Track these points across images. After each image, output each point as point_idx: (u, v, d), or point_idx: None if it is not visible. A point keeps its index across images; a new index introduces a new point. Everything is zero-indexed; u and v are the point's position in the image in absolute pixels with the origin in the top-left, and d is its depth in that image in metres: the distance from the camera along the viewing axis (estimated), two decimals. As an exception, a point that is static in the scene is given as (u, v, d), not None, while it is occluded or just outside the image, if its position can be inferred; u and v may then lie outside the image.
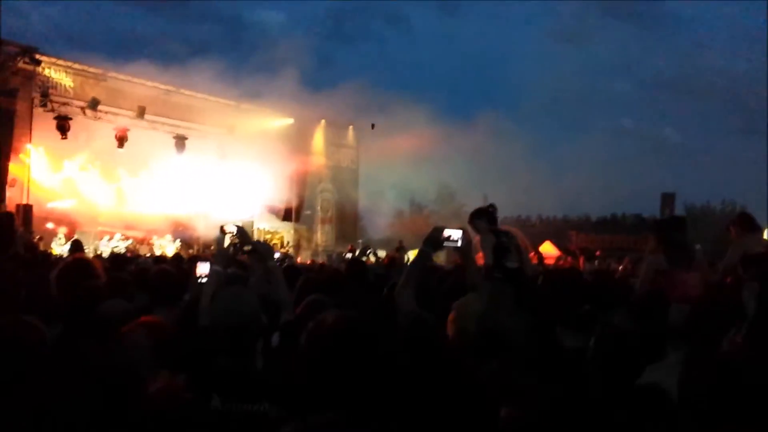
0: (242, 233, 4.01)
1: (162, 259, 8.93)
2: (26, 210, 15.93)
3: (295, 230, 22.30)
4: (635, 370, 2.36)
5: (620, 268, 9.28)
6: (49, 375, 2.08)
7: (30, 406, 1.94)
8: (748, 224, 6.88)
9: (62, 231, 16.42)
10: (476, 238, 5.80)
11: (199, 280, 3.83)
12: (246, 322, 2.82)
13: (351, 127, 23.70)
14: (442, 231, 3.55)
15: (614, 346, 2.40)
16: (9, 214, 13.00)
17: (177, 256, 10.85)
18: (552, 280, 4.02)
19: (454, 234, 3.55)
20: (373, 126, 21.66)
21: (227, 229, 3.88)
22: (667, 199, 7.46)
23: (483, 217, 6.16)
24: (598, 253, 15.08)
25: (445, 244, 3.55)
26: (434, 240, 3.50)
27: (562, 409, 2.01)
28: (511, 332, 2.61)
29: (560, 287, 3.89)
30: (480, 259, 5.25)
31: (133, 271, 5.82)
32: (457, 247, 3.53)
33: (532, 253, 7.38)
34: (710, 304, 3.28)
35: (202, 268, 3.88)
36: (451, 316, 2.82)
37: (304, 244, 22.41)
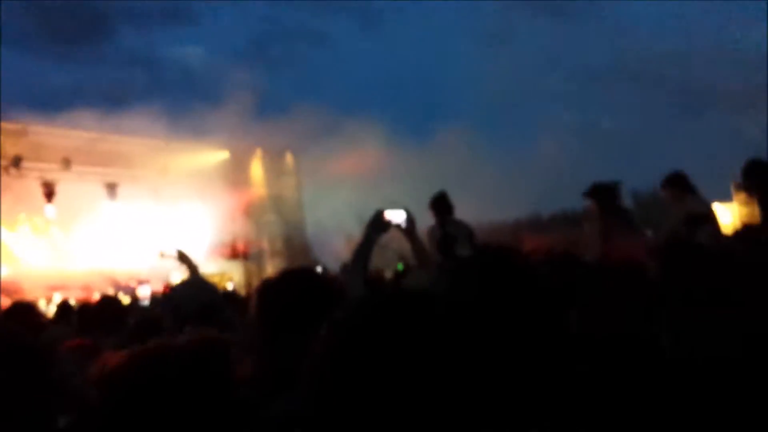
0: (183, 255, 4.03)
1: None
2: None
3: (245, 268, 21.63)
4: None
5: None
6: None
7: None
8: (685, 185, 6.46)
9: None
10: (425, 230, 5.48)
11: (141, 302, 4.05)
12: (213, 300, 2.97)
13: (288, 153, 23.25)
14: (383, 213, 3.35)
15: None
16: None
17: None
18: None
19: (397, 215, 3.36)
20: None
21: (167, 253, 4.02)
22: (613, 186, 7.26)
23: (434, 207, 5.88)
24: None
25: (391, 223, 3.36)
26: (377, 223, 3.29)
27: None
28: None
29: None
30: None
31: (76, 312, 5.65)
32: (401, 228, 3.31)
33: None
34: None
35: (143, 291, 4.03)
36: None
37: (254, 281, 21.72)
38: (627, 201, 8.41)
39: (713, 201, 8.90)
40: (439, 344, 1.25)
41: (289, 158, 23.39)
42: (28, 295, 16.26)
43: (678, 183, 6.43)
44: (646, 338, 2.14)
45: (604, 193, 6.25)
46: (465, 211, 7.28)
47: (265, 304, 2.04)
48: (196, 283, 3.41)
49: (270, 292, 2.08)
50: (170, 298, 3.44)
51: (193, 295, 3.20)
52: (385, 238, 3.41)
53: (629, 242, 5.60)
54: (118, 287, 17.61)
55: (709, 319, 2.09)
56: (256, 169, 22.55)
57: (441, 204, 5.94)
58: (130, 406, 1.41)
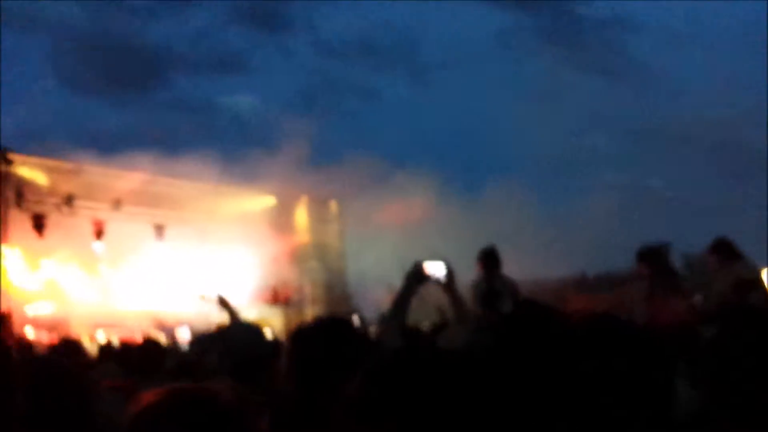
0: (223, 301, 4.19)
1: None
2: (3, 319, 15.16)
3: (284, 314, 21.60)
4: None
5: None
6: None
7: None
8: (732, 251, 6.48)
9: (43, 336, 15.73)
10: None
11: (179, 345, 4.07)
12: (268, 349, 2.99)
13: (334, 201, 23.43)
14: (422, 265, 3.31)
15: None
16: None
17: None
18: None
19: (437, 267, 3.31)
20: None
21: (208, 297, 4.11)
22: (663, 248, 7.13)
23: (482, 260, 5.86)
24: None
25: (430, 276, 3.32)
26: (416, 274, 3.25)
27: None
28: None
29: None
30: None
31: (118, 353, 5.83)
32: (440, 282, 3.29)
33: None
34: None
35: (183, 333, 4.04)
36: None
37: (293, 327, 21.61)
38: (677, 264, 8.27)
39: (763, 267, 8.71)
40: (472, 403, 1.24)
41: (333, 206, 23.58)
42: (73, 332, 16.48)
43: (724, 249, 6.42)
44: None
45: (653, 255, 6.23)
46: (509, 267, 7.24)
47: (297, 351, 2.06)
48: (250, 328, 3.42)
49: (303, 339, 2.10)
50: (221, 340, 3.44)
51: (248, 341, 3.19)
52: (425, 290, 3.38)
53: (673, 305, 5.58)
54: (161, 328, 17.77)
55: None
56: (301, 215, 22.76)
57: (490, 258, 5.93)
58: None
